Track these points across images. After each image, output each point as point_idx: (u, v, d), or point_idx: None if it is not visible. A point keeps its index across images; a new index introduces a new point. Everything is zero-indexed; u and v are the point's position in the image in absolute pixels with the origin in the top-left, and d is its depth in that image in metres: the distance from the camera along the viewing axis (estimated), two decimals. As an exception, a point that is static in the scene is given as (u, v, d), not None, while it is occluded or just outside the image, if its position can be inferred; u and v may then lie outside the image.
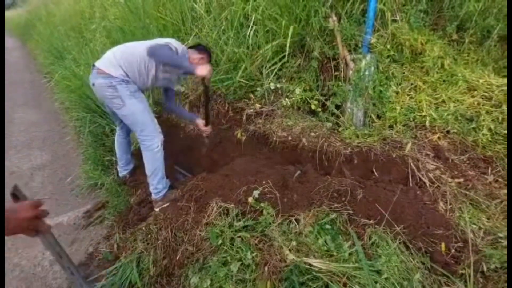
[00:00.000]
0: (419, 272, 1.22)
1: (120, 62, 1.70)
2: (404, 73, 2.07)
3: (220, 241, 1.45)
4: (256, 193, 1.56)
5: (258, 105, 2.23)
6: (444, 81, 2.01)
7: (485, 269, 1.26)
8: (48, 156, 2.98)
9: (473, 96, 1.90)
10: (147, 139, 1.79)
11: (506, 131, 1.71)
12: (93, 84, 1.74)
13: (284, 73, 2.30)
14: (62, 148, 3.12)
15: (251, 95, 2.29)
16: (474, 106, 1.85)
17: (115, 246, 1.76)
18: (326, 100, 2.17)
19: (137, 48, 1.77)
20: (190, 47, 1.98)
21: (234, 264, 1.37)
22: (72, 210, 2.20)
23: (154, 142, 1.79)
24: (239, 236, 1.45)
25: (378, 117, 1.99)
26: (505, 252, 1.30)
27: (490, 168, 1.62)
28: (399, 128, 1.86)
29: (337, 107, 2.13)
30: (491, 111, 1.81)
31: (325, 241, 1.36)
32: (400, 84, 2.04)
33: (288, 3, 2.29)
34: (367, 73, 2.06)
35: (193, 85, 2.58)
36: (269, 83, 2.22)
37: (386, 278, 1.19)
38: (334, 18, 2.19)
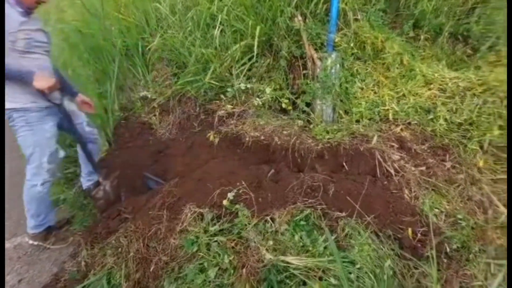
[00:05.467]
0: (390, 259, 1.27)
1: (11, 90, 1.53)
2: (367, 69, 2.17)
3: (195, 248, 1.41)
4: (230, 195, 1.54)
5: (229, 106, 2.20)
6: (403, 76, 2.13)
7: (448, 249, 1.36)
8: (2, 172, 2.70)
9: (430, 89, 2.04)
10: (28, 173, 1.69)
11: (460, 120, 1.86)
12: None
13: (254, 73, 2.30)
14: (17, 163, 2.85)
15: (222, 96, 2.26)
16: (431, 98, 1.98)
17: (83, 263, 1.64)
18: (296, 98, 2.21)
19: None
20: None
21: (212, 270, 1.34)
22: (32, 229, 2.02)
23: (34, 179, 1.68)
24: (215, 241, 1.42)
25: (346, 112, 2.06)
26: (464, 232, 1.41)
27: (447, 155, 1.75)
28: (365, 122, 1.95)
29: (307, 104, 2.18)
30: (446, 102, 1.95)
31: (301, 237, 1.38)
32: (364, 80, 2.13)
33: (254, 3, 2.29)
34: (333, 70, 2.13)
35: (160, 88, 2.49)
36: (240, 84, 2.21)
37: (359, 268, 1.23)
38: (300, 18, 2.23)
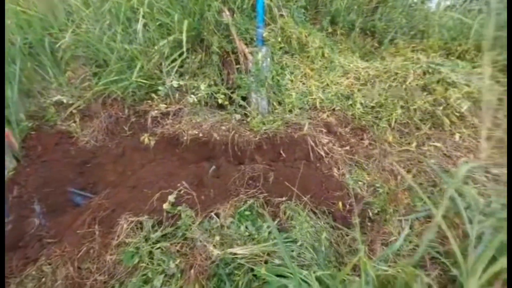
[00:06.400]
0: (325, 231, 1.42)
1: None
2: (295, 62, 2.32)
3: (137, 259, 1.32)
4: (171, 198, 1.48)
5: (163, 106, 2.08)
6: (326, 67, 2.36)
7: (370, 214, 1.58)
8: None
9: (347, 78, 2.30)
10: None
11: (372, 104, 2.16)
12: None
13: (186, 70, 2.22)
14: None
15: (154, 96, 2.12)
16: (349, 86, 2.25)
17: (-5, 307, 1.35)
18: (232, 93, 2.22)
19: None
20: None
21: (157, 279, 1.27)
22: None
23: None
24: (158, 248, 1.34)
25: (279, 103, 2.18)
26: (382, 198, 1.66)
27: (365, 135, 2.02)
28: (297, 111, 2.09)
29: (243, 98, 2.21)
30: (361, 89, 2.24)
31: (246, 227, 1.41)
32: (293, 73, 2.28)
33: (179, -4, 2.20)
34: (264, 64, 2.21)
35: (78, 91, 2.19)
36: (172, 81, 2.10)
37: (300, 245, 1.33)
38: (227, 12, 2.24)
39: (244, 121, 2.09)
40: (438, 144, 1.90)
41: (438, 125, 2.01)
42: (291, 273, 1.05)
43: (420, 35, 2.81)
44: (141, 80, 2.08)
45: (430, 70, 2.16)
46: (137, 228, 1.40)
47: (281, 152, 1.87)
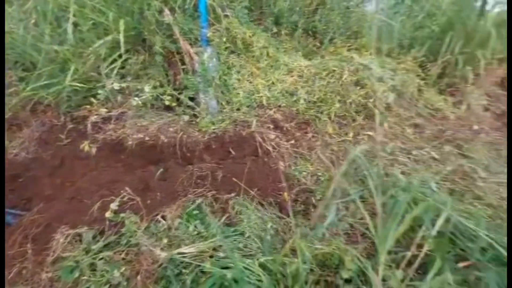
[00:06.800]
0: (271, 221, 1.50)
1: None
2: (241, 62, 2.38)
3: (77, 274, 1.25)
4: (114, 206, 1.42)
5: (103, 110, 1.97)
6: (271, 66, 2.46)
7: (314, 201, 1.71)
8: None
9: (292, 76, 2.44)
10: None
11: (314, 99, 2.32)
12: None
13: (128, 71, 2.13)
14: None
15: (93, 100, 1.99)
16: (293, 84, 2.38)
17: None
18: (179, 94, 2.19)
19: None
20: None
21: (101, 290, 1.22)
22: None
23: None
24: (101, 258, 1.29)
25: (228, 102, 2.22)
26: (323, 185, 1.80)
27: (308, 128, 2.17)
28: (245, 109, 2.16)
29: (191, 99, 2.21)
30: (304, 86, 2.39)
31: (195, 226, 1.43)
32: (239, 72, 2.33)
33: (114, -5, 2.10)
34: (211, 64, 2.23)
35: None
36: (112, 84, 2.00)
37: (248, 236, 1.39)
38: (168, 12, 2.20)
39: (193, 122, 2.09)
40: (371, 133, 2.13)
41: (370, 116, 2.24)
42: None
43: (355, 35, 3.09)
44: (76, 84, 1.94)
45: (361, 67, 2.40)
46: (75, 241, 1.32)
47: (230, 150, 1.91)
